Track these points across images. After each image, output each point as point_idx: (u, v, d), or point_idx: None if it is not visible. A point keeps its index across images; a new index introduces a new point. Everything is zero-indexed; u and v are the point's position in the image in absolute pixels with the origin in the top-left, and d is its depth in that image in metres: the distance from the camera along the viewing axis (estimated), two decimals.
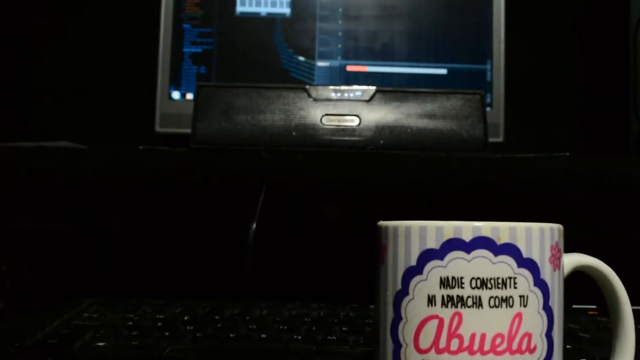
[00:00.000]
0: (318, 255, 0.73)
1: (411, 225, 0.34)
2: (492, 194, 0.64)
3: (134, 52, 1.03)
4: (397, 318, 0.34)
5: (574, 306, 0.61)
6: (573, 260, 0.37)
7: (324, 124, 0.67)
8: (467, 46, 0.95)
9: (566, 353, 0.47)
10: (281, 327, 0.52)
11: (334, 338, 0.49)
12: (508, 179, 0.64)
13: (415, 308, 0.34)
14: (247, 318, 0.54)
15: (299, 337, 0.49)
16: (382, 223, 0.36)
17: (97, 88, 1.05)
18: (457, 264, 0.33)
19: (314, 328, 0.51)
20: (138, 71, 1.01)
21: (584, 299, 0.59)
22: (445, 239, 0.33)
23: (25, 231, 0.70)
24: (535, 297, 0.33)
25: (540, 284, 0.34)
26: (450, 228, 0.33)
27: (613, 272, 0.37)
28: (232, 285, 0.64)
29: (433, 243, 0.33)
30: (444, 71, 0.94)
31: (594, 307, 0.60)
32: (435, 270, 0.33)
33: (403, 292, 0.34)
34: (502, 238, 0.33)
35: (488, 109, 0.93)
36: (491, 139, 0.91)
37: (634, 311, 0.58)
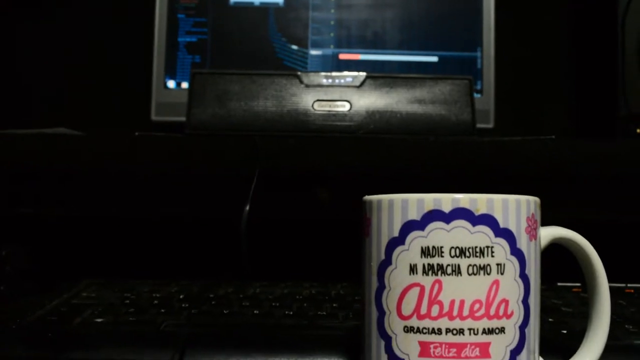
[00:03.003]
0: (311, 238, 0.74)
1: (394, 198, 0.36)
2: (479, 176, 0.65)
3: (130, 42, 1.05)
4: (381, 287, 0.36)
5: (559, 284, 0.63)
6: (550, 232, 0.39)
7: (315, 110, 0.69)
8: (457, 34, 0.96)
9: (549, 325, 0.49)
10: (274, 304, 0.53)
11: (325, 313, 0.51)
12: (495, 162, 0.66)
13: (397, 277, 0.35)
14: (241, 296, 0.56)
15: (291, 313, 0.51)
16: (366, 197, 0.38)
17: (93, 78, 1.06)
18: (437, 234, 0.35)
19: (305, 304, 0.53)
20: (134, 61, 1.03)
21: (570, 278, 0.61)
22: (425, 210, 0.35)
23: (23, 217, 0.71)
24: (512, 265, 0.35)
25: (516, 252, 0.35)
26: (431, 200, 0.35)
27: (589, 243, 0.39)
28: (227, 269, 0.66)
29: (414, 214, 0.35)
30: (435, 59, 0.95)
31: (579, 284, 0.62)
32: (416, 241, 0.35)
33: (386, 262, 0.36)
34: (480, 209, 0.35)
35: (479, 95, 0.94)
36: (482, 125, 0.93)
37: (618, 288, 0.60)
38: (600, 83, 1.04)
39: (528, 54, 1.07)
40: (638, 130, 0.86)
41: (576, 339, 0.41)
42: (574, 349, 0.40)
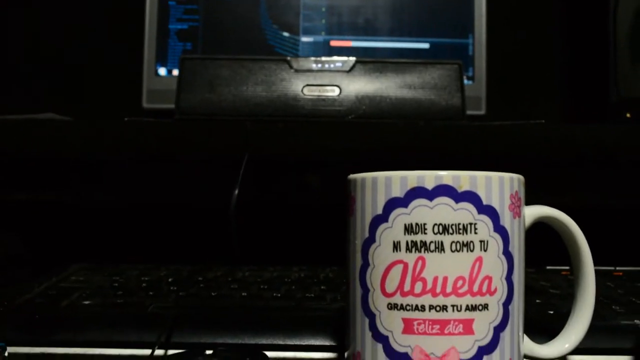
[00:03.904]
0: (300, 222, 0.74)
1: (377, 176, 0.36)
2: (469, 160, 0.65)
3: (120, 29, 1.04)
4: (365, 264, 0.36)
5: (548, 267, 0.63)
6: (535, 211, 0.39)
7: (305, 94, 0.68)
8: (449, 20, 0.96)
9: (536, 307, 0.49)
10: (262, 286, 0.53)
11: (313, 295, 0.51)
12: (485, 146, 0.66)
13: (381, 254, 0.35)
14: (229, 279, 0.56)
15: (279, 295, 0.51)
16: (351, 176, 0.38)
17: (84, 67, 1.06)
18: (420, 211, 0.35)
19: (293, 287, 0.53)
20: (124, 48, 1.02)
21: (560, 263, 0.61)
22: (409, 187, 0.35)
23: (14, 203, 0.71)
24: (495, 242, 0.35)
25: (500, 230, 0.35)
26: (414, 177, 0.35)
27: (573, 222, 0.39)
28: (216, 253, 0.66)
29: (398, 192, 0.35)
30: (426, 45, 0.95)
31: (567, 267, 0.62)
32: (400, 218, 0.35)
33: (370, 240, 0.36)
34: (463, 186, 0.35)
35: (470, 82, 0.94)
36: (473, 112, 0.93)
37: (607, 271, 0.61)
38: (592, 70, 1.04)
39: (520, 40, 1.07)
40: (628, 115, 0.86)
41: (563, 320, 0.41)
42: (560, 329, 0.40)
